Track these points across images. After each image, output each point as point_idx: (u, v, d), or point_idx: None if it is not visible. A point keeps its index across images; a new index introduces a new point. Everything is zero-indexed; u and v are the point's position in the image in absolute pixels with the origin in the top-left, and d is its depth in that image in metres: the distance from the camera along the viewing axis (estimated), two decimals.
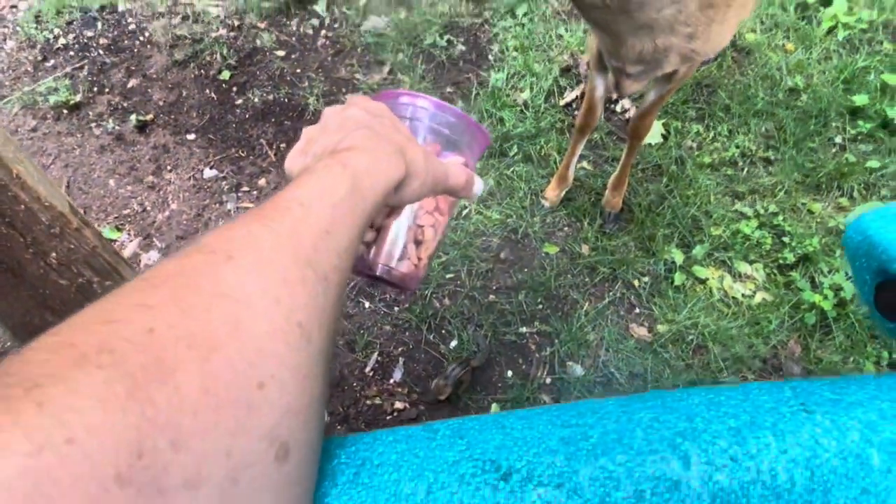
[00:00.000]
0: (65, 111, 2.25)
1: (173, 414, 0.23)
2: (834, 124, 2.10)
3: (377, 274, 0.51)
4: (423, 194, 0.44)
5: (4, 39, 2.48)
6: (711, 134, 2.10)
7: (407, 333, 1.74)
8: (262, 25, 2.46)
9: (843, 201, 1.94)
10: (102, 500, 0.21)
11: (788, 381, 0.34)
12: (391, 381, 1.67)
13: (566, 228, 1.92)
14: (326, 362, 0.31)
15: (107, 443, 0.21)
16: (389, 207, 0.50)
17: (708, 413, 0.32)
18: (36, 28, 2.48)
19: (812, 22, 2.34)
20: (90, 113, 2.26)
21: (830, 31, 2.30)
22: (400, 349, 1.72)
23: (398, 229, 0.52)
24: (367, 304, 1.78)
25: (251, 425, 0.26)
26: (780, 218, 1.89)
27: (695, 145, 2.08)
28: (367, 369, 1.68)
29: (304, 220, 0.32)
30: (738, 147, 2.06)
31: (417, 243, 0.53)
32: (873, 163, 1.98)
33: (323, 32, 2.45)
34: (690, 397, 0.32)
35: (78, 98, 2.26)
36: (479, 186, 0.50)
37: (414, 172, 0.42)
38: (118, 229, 1.97)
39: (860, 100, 2.10)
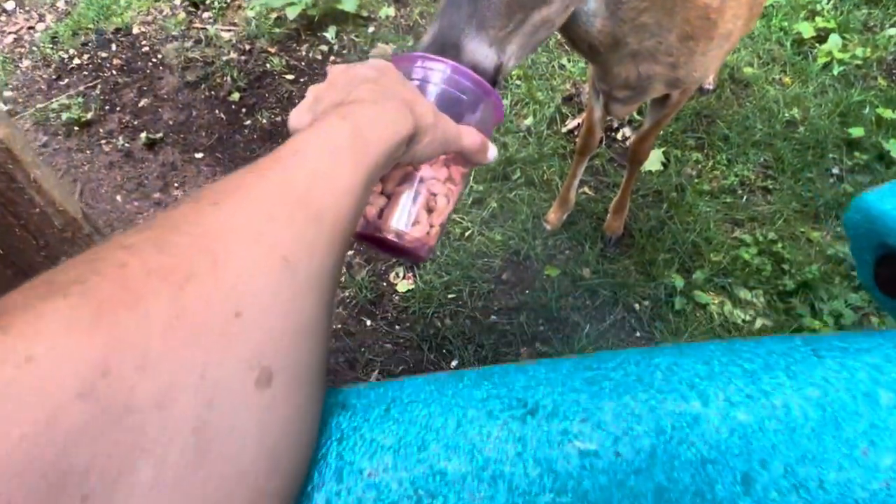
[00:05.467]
0: (76, 128, 2.29)
1: (141, 338, 0.24)
2: (831, 156, 2.14)
3: (387, 237, 0.50)
4: (434, 152, 0.44)
5: (21, 59, 2.55)
6: (710, 162, 2.14)
7: (408, 352, 1.74)
8: (273, 50, 2.53)
9: (842, 230, 1.96)
10: (62, 415, 0.21)
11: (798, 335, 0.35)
12: None
13: (567, 251, 1.94)
14: (323, 293, 0.32)
15: (68, 362, 0.22)
16: (402, 172, 0.50)
17: (724, 357, 0.33)
18: (52, 48, 2.55)
19: (808, 57, 2.41)
20: (101, 130, 2.30)
21: (826, 66, 2.36)
22: (400, 368, 1.71)
23: (410, 195, 0.51)
24: (368, 322, 1.79)
25: (227, 351, 0.26)
26: (780, 245, 1.91)
27: (694, 173, 2.12)
28: None
29: (298, 165, 0.34)
30: (736, 176, 2.09)
31: (429, 211, 0.52)
32: None
33: (332, 58, 2.52)
34: (706, 346, 0.34)
35: (89, 116, 2.31)
36: (493, 153, 0.51)
37: (424, 128, 0.42)
38: None
39: (856, 132, 2.14)
